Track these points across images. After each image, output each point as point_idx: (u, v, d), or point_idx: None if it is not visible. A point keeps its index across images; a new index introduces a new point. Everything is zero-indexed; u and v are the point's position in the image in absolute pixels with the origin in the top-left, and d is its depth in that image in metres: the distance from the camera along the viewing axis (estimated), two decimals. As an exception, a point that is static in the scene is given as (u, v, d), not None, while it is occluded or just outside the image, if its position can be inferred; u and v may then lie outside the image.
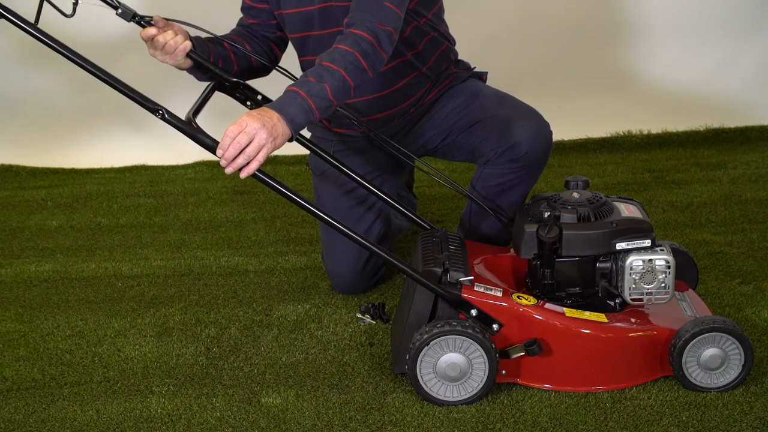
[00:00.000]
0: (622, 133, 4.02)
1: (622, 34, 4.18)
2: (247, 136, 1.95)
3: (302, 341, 2.44)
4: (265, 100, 2.39)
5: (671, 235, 2.99)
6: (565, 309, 2.14)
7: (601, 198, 2.23)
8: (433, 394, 2.10)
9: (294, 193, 2.09)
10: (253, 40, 2.55)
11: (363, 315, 2.54)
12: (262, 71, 2.55)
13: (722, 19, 4.11)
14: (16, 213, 3.61)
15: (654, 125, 4.02)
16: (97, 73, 2.02)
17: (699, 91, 4.11)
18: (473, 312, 2.10)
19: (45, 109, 4.25)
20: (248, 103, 2.44)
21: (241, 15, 2.60)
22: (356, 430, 2.04)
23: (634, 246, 2.16)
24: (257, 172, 2.02)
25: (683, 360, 2.07)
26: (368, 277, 2.68)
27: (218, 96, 2.40)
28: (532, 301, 2.13)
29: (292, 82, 2.14)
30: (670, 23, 4.14)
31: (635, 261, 2.15)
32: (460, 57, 2.68)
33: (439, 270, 2.14)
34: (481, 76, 2.68)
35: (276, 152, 2.06)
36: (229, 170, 1.98)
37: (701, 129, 4.01)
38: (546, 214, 2.19)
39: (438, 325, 2.06)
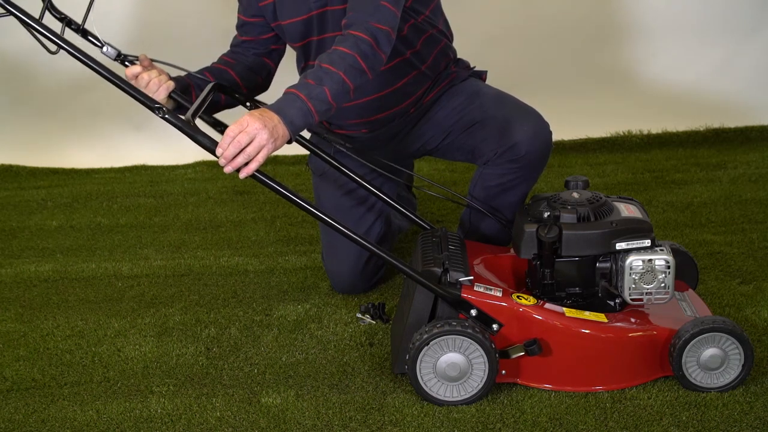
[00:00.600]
0: (622, 133, 4.02)
1: (622, 34, 4.18)
2: (247, 136, 1.95)
3: (302, 341, 2.44)
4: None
5: (671, 235, 2.99)
6: (564, 309, 2.14)
7: (601, 198, 2.23)
8: (433, 394, 2.10)
9: (294, 193, 2.09)
10: (243, 61, 2.52)
11: (363, 315, 2.54)
12: (255, 91, 2.54)
13: (722, 19, 4.11)
14: (16, 213, 3.61)
15: (654, 125, 4.02)
16: (100, 70, 2.02)
17: (699, 91, 4.11)
18: (473, 312, 2.10)
19: (45, 109, 4.25)
20: (248, 104, 2.45)
21: (234, 34, 2.59)
22: (356, 430, 2.04)
23: (634, 246, 2.16)
24: (256, 173, 2.02)
25: (683, 360, 2.07)
26: (368, 277, 2.68)
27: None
28: (531, 301, 2.13)
29: (292, 84, 2.14)
30: (670, 23, 4.14)
31: (635, 261, 2.15)
32: (460, 56, 2.68)
33: (438, 270, 2.14)
34: (481, 75, 2.68)
35: (276, 152, 2.06)
36: (228, 169, 1.98)
37: (701, 129, 4.01)
38: (546, 214, 2.19)
39: (438, 325, 2.06)
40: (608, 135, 4.02)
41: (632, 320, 2.15)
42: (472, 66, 2.69)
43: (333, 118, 2.61)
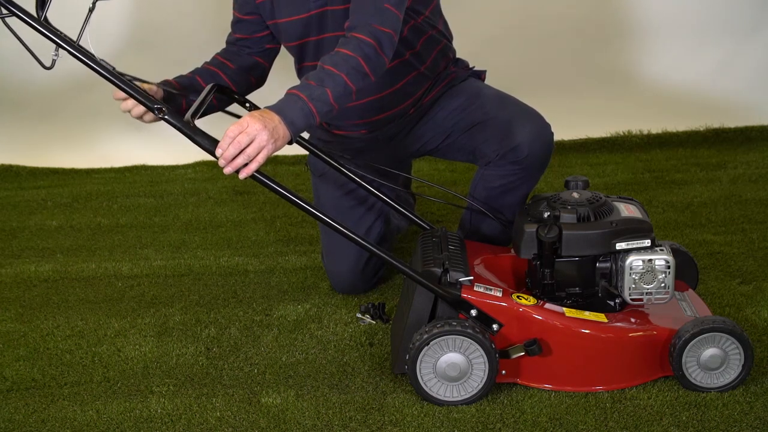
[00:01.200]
0: (622, 133, 4.02)
1: (622, 34, 4.19)
2: (248, 137, 1.95)
3: (302, 341, 2.44)
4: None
5: (671, 235, 2.99)
6: (564, 309, 2.14)
7: (600, 198, 2.23)
8: (433, 394, 2.10)
9: (293, 194, 2.09)
10: (236, 61, 2.52)
11: (363, 315, 2.54)
12: (247, 91, 2.54)
13: (722, 19, 4.12)
14: (16, 213, 3.61)
15: (654, 125, 4.02)
16: (99, 70, 2.01)
17: (699, 91, 4.11)
18: (473, 312, 2.10)
19: (45, 110, 4.25)
20: (246, 105, 2.45)
21: (228, 32, 2.59)
22: (356, 430, 2.04)
23: (634, 246, 2.16)
24: (256, 173, 2.01)
25: (683, 360, 2.07)
26: (368, 277, 2.68)
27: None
28: (531, 301, 2.13)
29: (293, 85, 2.14)
30: (670, 23, 4.14)
31: (635, 261, 2.15)
32: (460, 57, 2.68)
33: (438, 270, 2.14)
34: (480, 75, 2.68)
35: (276, 152, 2.05)
36: (228, 170, 1.98)
37: (701, 129, 4.01)
38: (546, 214, 2.19)
39: (438, 325, 2.06)
40: (608, 135, 4.02)
41: (632, 320, 2.15)
42: (471, 66, 2.69)
43: (332, 118, 2.61)
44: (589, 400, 2.09)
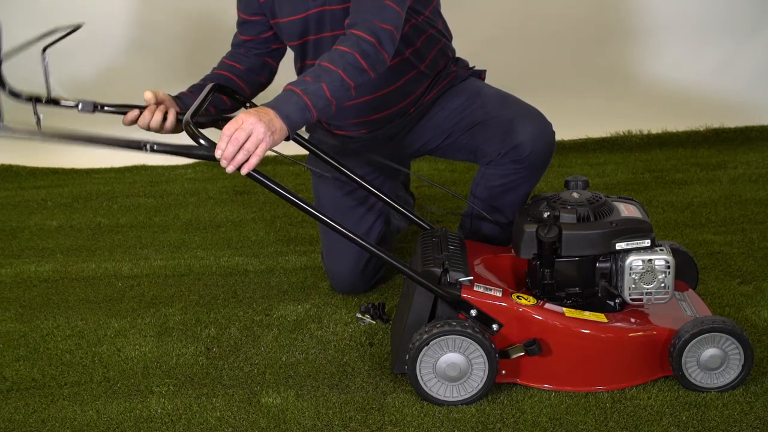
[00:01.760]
0: (622, 133, 4.02)
1: (622, 34, 4.19)
2: (244, 132, 1.94)
3: (302, 341, 2.44)
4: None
5: (671, 235, 2.99)
6: (564, 309, 2.14)
7: (600, 198, 2.23)
8: (433, 394, 2.10)
9: (293, 194, 2.08)
10: (244, 63, 2.53)
11: (363, 315, 2.54)
12: (258, 90, 2.56)
13: (722, 19, 4.12)
14: (16, 213, 3.61)
15: (654, 125, 4.02)
16: (84, 139, 2.06)
17: (699, 91, 4.11)
18: (473, 312, 2.10)
19: (45, 109, 4.24)
20: (247, 105, 2.45)
21: (230, 33, 2.59)
22: (356, 430, 2.04)
23: (634, 246, 2.16)
24: (256, 174, 2.01)
25: (683, 360, 2.07)
26: (368, 277, 2.68)
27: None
28: (531, 301, 2.13)
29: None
30: (670, 23, 4.15)
31: (635, 261, 2.15)
32: (460, 56, 2.68)
33: (438, 270, 2.13)
34: (480, 74, 2.68)
35: (275, 146, 2.03)
36: (230, 169, 1.97)
37: (701, 129, 4.01)
38: (546, 214, 2.19)
39: (437, 325, 2.06)
40: (608, 135, 4.02)
41: (632, 320, 2.15)
42: (471, 65, 2.69)
43: (332, 118, 2.61)
44: (589, 400, 2.09)
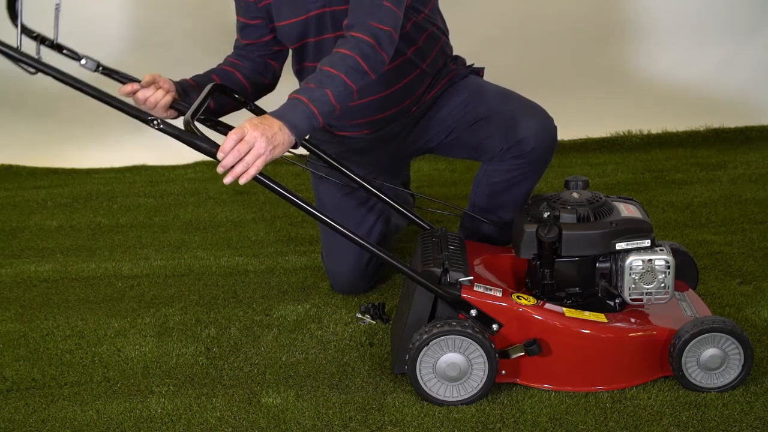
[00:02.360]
0: (622, 133, 4.02)
1: (622, 34, 4.19)
2: (246, 145, 1.96)
3: (302, 341, 2.44)
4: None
5: (671, 235, 2.99)
6: (564, 309, 2.14)
7: (600, 198, 2.23)
8: (433, 394, 2.10)
9: (294, 194, 2.09)
10: (248, 64, 2.52)
11: (363, 315, 2.54)
12: (261, 92, 2.56)
13: (722, 19, 4.12)
14: (16, 213, 3.61)
15: (654, 125, 4.02)
16: (87, 90, 2.02)
17: (699, 91, 4.11)
18: (473, 312, 2.10)
19: (45, 109, 4.25)
20: (249, 106, 2.45)
21: (230, 34, 2.59)
22: (356, 430, 2.04)
23: (634, 246, 2.16)
24: (257, 174, 2.02)
25: (683, 360, 2.07)
26: (368, 277, 2.68)
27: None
28: (531, 301, 2.13)
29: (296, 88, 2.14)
30: (670, 23, 4.14)
31: (635, 261, 2.15)
32: (459, 55, 2.68)
33: (438, 270, 2.13)
34: (479, 72, 2.68)
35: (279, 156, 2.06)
36: (228, 179, 1.99)
37: (701, 129, 4.01)
38: (546, 214, 2.19)
39: (437, 326, 2.06)
40: (608, 135, 4.02)
41: (632, 320, 2.15)
42: (469, 63, 2.69)
43: (335, 120, 2.61)
44: (589, 400, 2.09)
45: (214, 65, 2.54)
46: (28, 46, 2.06)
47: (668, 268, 2.15)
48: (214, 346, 2.44)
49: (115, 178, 3.98)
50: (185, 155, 4.03)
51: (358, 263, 2.63)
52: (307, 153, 2.58)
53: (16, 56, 2.01)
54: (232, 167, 1.98)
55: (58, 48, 2.18)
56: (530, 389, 2.14)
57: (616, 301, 2.17)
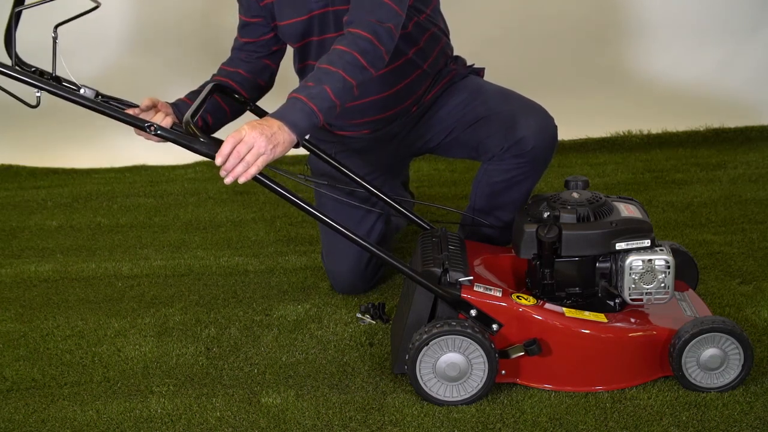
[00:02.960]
0: (622, 133, 4.02)
1: (622, 34, 4.19)
2: (246, 145, 1.96)
3: (302, 341, 2.44)
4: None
5: (671, 235, 2.99)
6: (564, 309, 2.14)
7: (600, 198, 2.23)
8: (433, 394, 2.10)
9: (294, 195, 2.09)
10: (243, 68, 2.52)
11: (363, 315, 2.54)
12: (259, 94, 2.56)
13: (722, 19, 4.11)
14: (16, 213, 3.61)
15: (654, 125, 4.02)
16: (82, 102, 2.04)
17: (699, 91, 4.11)
18: (473, 312, 2.10)
19: (45, 110, 4.23)
20: (250, 106, 2.45)
21: (229, 34, 2.59)
22: (356, 430, 2.04)
23: (634, 246, 2.16)
24: (257, 174, 2.02)
25: (683, 360, 2.07)
26: (368, 277, 2.68)
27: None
28: (531, 301, 2.13)
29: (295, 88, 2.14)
30: (670, 23, 4.14)
31: (635, 261, 2.15)
32: (459, 55, 2.68)
33: (438, 270, 2.13)
34: (479, 72, 2.69)
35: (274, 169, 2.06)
36: (228, 180, 1.99)
37: (701, 129, 4.01)
38: (545, 214, 2.19)
39: (437, 325, 2.06)
40: (608, 135, 4.02)
41: (632, 320, 2.15)
42: (469, 63, 2.69)
43: (336, 119, 2.61)
44: (589, 400, 2.09)
45: (210, 70, 2.54)
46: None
47: (668, 268, 2.15)
48: (214, 346, 2.44)
49: (115, 178, 3.98)
50: (185, 155, 4.00)
51: (358, 263, 2.63)
52: (308, 154, 2.58)
53: (23, 79, 2.02)
54: (233, 169, 1.98)
55: (57, 80, 2.19)
56: (530, 389, 2.14)
57: (616, 301, 2.17)
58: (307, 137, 2.67)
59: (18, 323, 2.63)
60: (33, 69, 2.17)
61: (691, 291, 2.33)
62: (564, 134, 3.94)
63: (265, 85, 2.57)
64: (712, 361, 2.07)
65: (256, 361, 2.35)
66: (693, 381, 2.09)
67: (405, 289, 2.35)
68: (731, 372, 2.08)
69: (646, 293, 2.17)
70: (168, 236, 3.29)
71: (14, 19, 2.03)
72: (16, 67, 2.04)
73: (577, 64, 4.18)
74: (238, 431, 2.06)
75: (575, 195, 2.23)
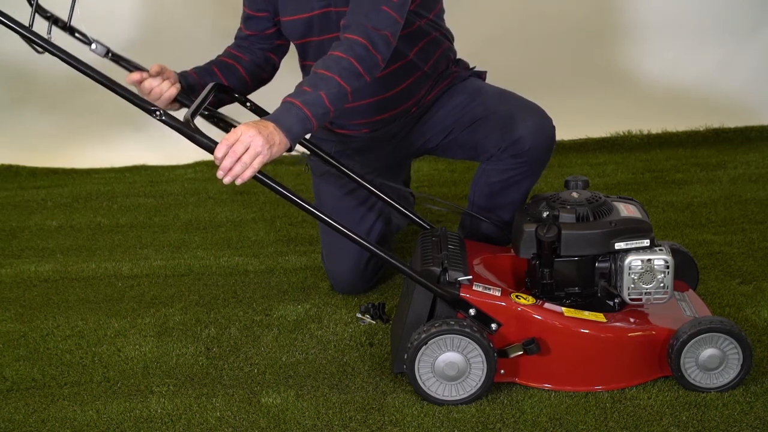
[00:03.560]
0: (622, 133, 4.02)
1: (622, 34, 4.18)
2: (243, 145, 1.97)
3: (302, 341, 2.44)
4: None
5: (671, 235, 2.99)
6: (564, 309, 2.14)
7: (600, 198, 2.23)
8: (432, 394, 2.10)
9: (294, 194, 2.09)
10: (249, 56, 2.54)
11: (363, 315, 2.54)
12: (259, 85, 2.58)
13: (722, 19, 4.11)
14: (16, 213, 3.62)
15: (654, 125, 4.02)
16: (93, 75, 2.02)
17: (699, 91, 4.11)
18: (471, 311, 2.10)
19: (45, 109, 4.25)
20: (248, 104, 2.46)
21: (237, 29, 2.61)
22: (356, 430, 2.04)
23: (633, 246, 2.16)
24: (257, 174, 2.03)
25: (681, 360, 2.07)
26: (368, 277, 2.69)
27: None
28: (530, 300, 2.13)
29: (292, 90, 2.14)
30: (670, 23, 4.14)
31: (634, 261, 2.15)
32: (460, 56, 2.68)
33: (437, 269, 2.14)
34: (481, 75, 2.69)
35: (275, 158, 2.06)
36: (227, 180, 1.99)
37: (701, 129, 4.01)
38: (545, 214, 2.19)
39: (436, 325, 2.06)
40: (608, 135, 4.02)
41: (631, 320, 2.15)
42: (471, 66, 2.69)
43: (336, 117, 2.61)
44: (589, 400, 2.09)
45: (220, 51, 2.56)
46: (41, 25, 2.06)
47: (667, 267, 2.15)
48: (214, 346, 2.44)
49: (115, 178, 3.98)
50: (185, 155, 4.04)
51: (358, 263, 2.63)
52: (308, 154, 2.58)
53: (25, 34, 2.00)
54: (230, 169, 1.98)
55: (71, 30, 2.18)
56: (530, 389, 2.14)
57: (616, 300, 2.17)
58: (308, 136, 2.69)
59: (18, 323, 2.63)
60: (48, 14, 2.16)
61: (691, 291, 2.33)
62: (564, 134, 3.96)
63: (267, 77, 2.60)
64: (711, 361, 2.07)
65: (256, 361, 2.35)
66: (692, 381, 2.09)
67: (405, 288, 2.35)
68: (730, 372, 2.08)
69: (646, 293, 2.17)
70: (168, 236, 3.29)
71: None
72: (33, 22, 1.99)
73: (577, 64, 4.18)
74: (238, 431, 2.06)
75: (575, 195, 2.23)
